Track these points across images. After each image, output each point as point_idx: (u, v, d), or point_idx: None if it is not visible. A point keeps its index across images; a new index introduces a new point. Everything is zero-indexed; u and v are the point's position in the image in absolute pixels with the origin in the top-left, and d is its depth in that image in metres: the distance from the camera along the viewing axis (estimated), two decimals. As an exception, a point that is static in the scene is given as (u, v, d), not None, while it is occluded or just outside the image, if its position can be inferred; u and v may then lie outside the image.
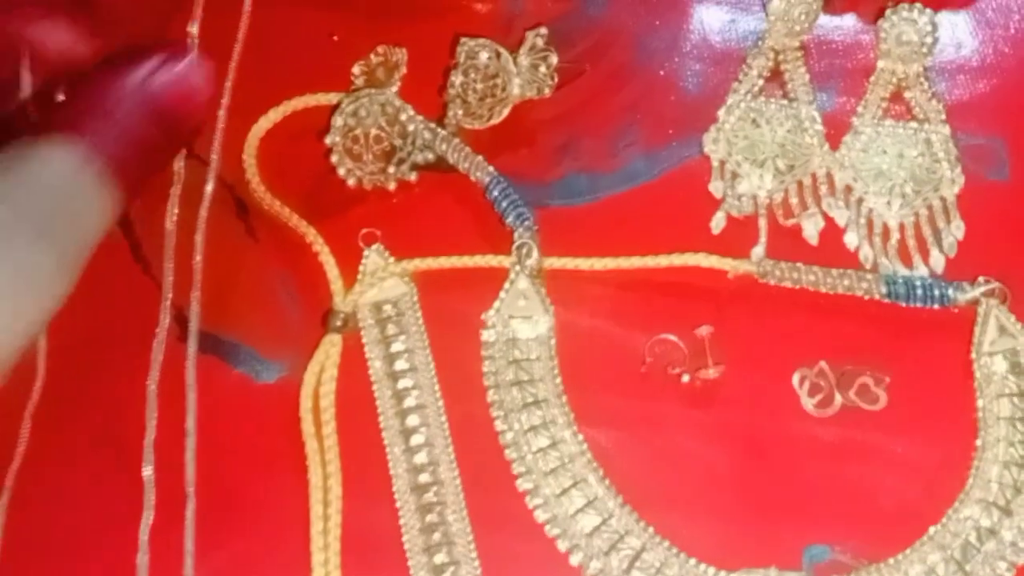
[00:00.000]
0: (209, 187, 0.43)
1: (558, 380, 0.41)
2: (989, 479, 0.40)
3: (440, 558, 0.39)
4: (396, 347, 0.42)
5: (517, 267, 0.42)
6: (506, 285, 0.42)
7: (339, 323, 0.41)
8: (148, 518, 0.40)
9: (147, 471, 0.40)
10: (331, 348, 0.41)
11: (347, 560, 0.39)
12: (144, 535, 0.39)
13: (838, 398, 0.41)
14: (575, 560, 0.39)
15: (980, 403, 0.41)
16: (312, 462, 0.39)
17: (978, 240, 0.44)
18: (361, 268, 0.42)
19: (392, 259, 0.43)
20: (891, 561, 0.39)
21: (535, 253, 0.42)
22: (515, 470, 0.40)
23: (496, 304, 0.42)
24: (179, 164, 0.44)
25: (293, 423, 0.41)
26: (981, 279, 0.42)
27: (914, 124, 0.45)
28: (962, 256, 0.44)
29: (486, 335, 0.42)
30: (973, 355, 0.41)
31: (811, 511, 0.40)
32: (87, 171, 0.35)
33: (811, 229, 0.44)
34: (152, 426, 0.41)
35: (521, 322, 0.42)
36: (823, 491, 0.40)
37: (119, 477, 0.40)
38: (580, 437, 0.41)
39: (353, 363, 0.42)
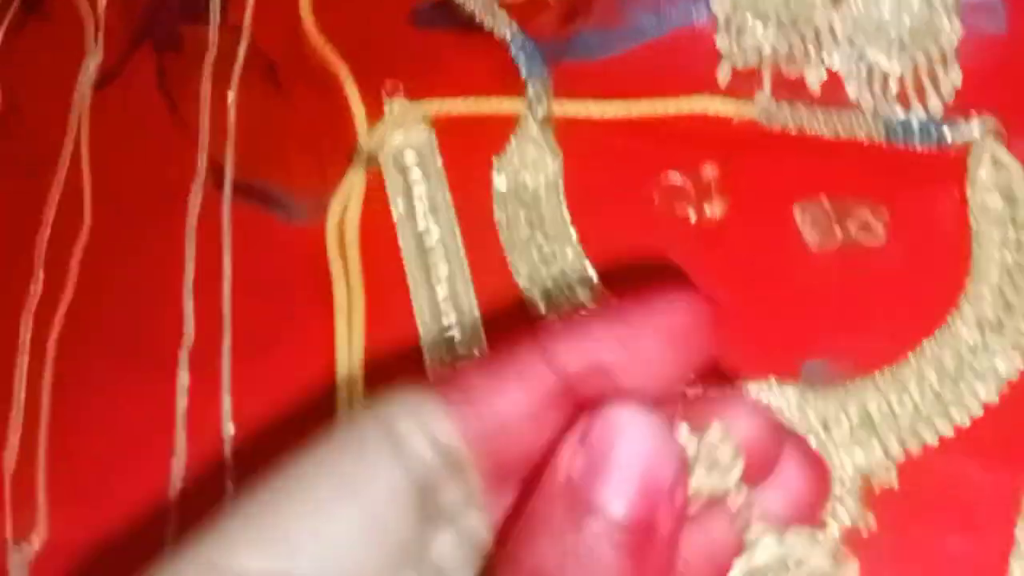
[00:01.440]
0: (242, 48, 0.46)
1: (567, 218, 0.44)
2: (982, 297, 0.41)
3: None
4: (417, 191, 0.44)
5: (528, 113, 0.44)
6: (517, 130, 0.44)
7: (364, 159, 0.44)
8: (188, 342, 0.42)
9: (188, 304, 0.43)
10: (356, 180, 0.44)
11: (370, 377, 0.42)
12: (184, 356, 0.42)
13: (838, 232, 0.43)
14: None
15: (973, 229, 0.42)
16: (337, 280, 0.42)
17: (975, 88, 0.45)
18: (385, 110, 0.45)
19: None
20: (886, 372, 0.41)
21: (545, 100, 0.44)
22: (528, 299, 0.43)
23: (507, 148, 0.44)
24: (213, 32, 0.46)
25: (322, 260, 0.43)
26: (975, 114, 0.44)
27: (914, -22, 0.47)
28: (960, 103, 0.45)
29: (497, 181, 0.44)
30: (968, 186, 0.43)
31: (809, 331, 0.42)
32: None
33: (813, 79, 0.46)
34: (191, 265, 0.44)
35: (531, 166, 0.44)
36: (821, 313, 0.42)
37: (161, 311, 0.43)
38: (591, 270, 0.43)
39: (376, 206, 0.44)
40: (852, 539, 0.39)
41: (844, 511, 0.39)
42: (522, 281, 0.43)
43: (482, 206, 0.44)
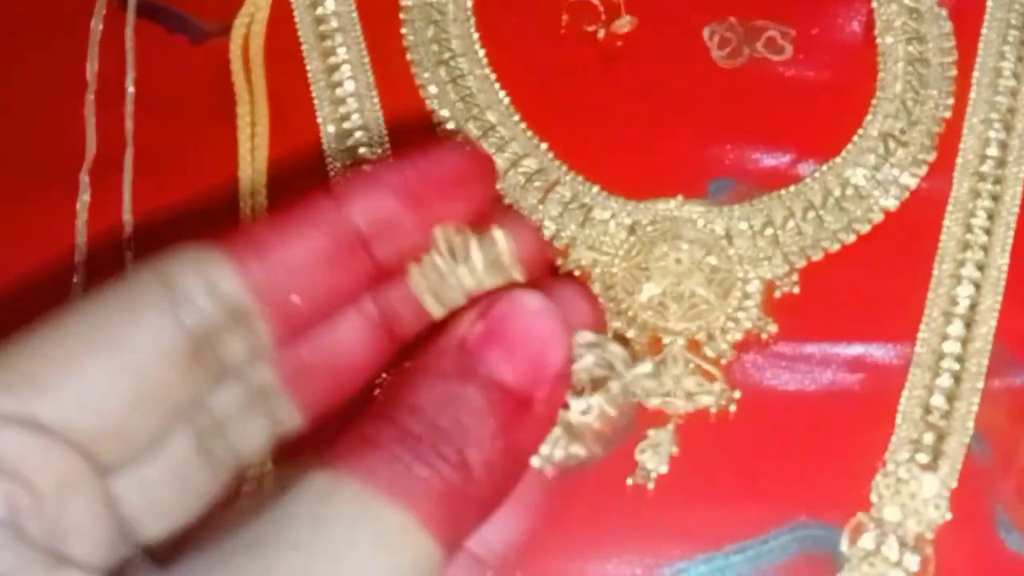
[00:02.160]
0: None
1: (475, 36, 0.43)
2: (887, 111, 0.42)
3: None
4: (324, 8, 0.44)
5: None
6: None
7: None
8: (89, 161, 0.42)
9: (89, 123, 0.42)
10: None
11: (274, 192, 0.41)
12: (85, 176, 0.42)
13: (746, 50, 0.43)
14: (492, 193, 0.41)
15: (880, 46, 0.43)
16: (240, 97, 0.42)
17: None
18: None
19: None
20: (792, 188, 0.41)
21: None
22: (436, 119, 0.42)
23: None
24: None
25: (226, 78, 0.43)
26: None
27: None
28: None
29: (404, -2, 0.44)
30: (873, 3, 0.43)
31: (716, 149, 0.42)
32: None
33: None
34: (93, 84, 0.43)
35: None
36: (730, 127, 0.42)
37: (62, 130, 0.43)
38: (498, 86, 0.43)
39: (282, 23, 0.44)
40: (756, 343, 0.39)
41: (746, 318, 0.39)
42: (430, 101, 0.43)
43: (390, 22, 0.43)
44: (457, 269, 0.25)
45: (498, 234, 0.25)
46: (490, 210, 0.26)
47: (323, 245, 0.24)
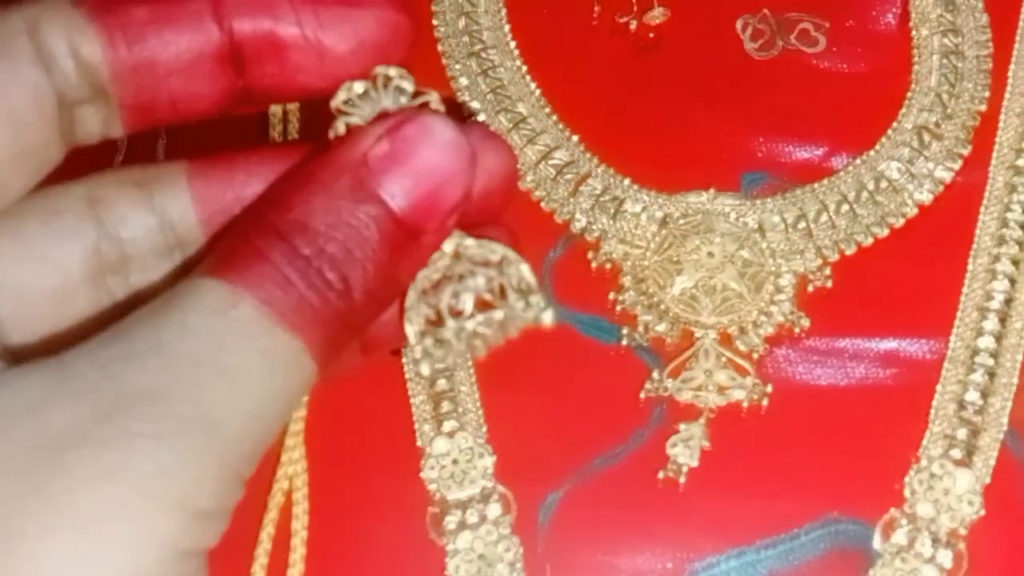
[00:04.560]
0: None
1: (507, 28, 0.43)
2: (922, 105, 0.41)
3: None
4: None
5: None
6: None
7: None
8: (121, 153, 0.42)
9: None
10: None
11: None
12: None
13: (779, 42, 0.43)
14: (523, 186, 0.41)
15: (915, 38, 0.42)
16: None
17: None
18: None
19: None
20: (825, 182, 0.41)
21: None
22: (467, 111, 0.42)
23: (448, -44, 0.44)
24: None
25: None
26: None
27: None
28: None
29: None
30: (910, -5, 0.43)
31: (749, 141, 0.42)
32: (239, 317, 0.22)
33: None
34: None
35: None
36: (763, 119, 0.42)
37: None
38: (529, 78, 0.42)
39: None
40: (788, 337, 0.39)
41: (779, 312, 0.39)
42: (461, 92, 0.43)
43: (420, 13, 0.43)
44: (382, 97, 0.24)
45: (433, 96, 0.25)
46: None
47: (191, 47, 0.23)
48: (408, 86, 0.25)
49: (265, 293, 0.22)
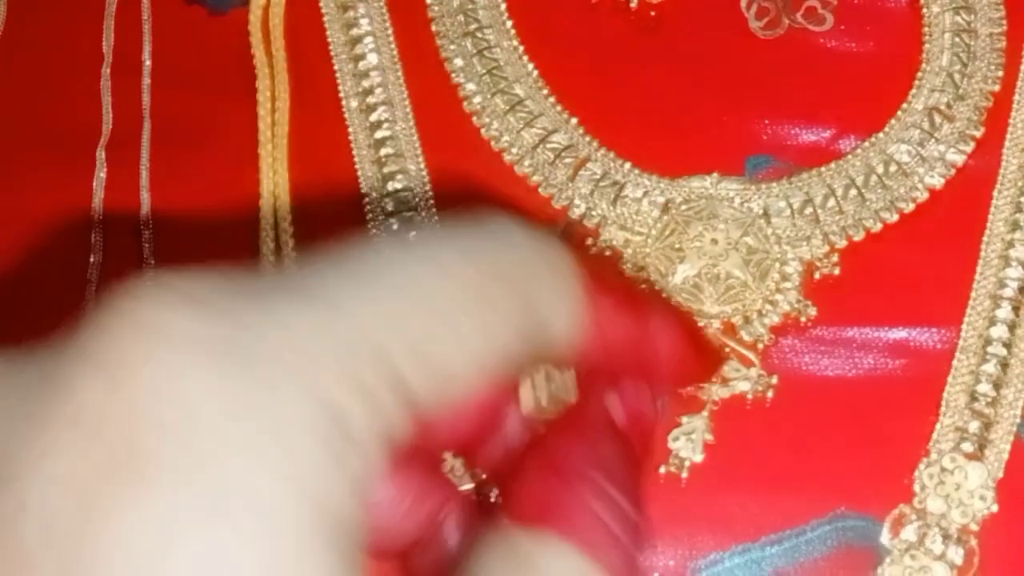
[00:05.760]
0: None
1: (503, 7, 0.42)
2: (933, 85, 0.40)
3: (389, 169, 0.40)
4: (345, -22, 0.42)
5: None
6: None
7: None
8: (106, 136, 0.41)
9: (105, 97, 0.41)
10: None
11: (295, 168, 0.40)
12: (102, 153, 0.41)
13: (785, 21, 0.41)
14: (520, 170, 0.40)
15: (925, 16, 0.41)
16: (260, 71, 0.40)
17: None
18: None
19: None
20: (832, 165, 0.39)
21: None
22: (462, 93, 0.41)
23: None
24: None
25: (246, 52, 0.41)
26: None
27: None
28: None
29: (433, -32, 0.42)
30: (920, -29, 0.41)
31: (754, 123, 0.40)
32: None
33: None
34: (109, 57, 0.42)
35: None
36: (768, 100, 0.40)
37: (78, 105, 0.41)
38: (526, 59, 0.41)
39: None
40: (794, 327, 0.38)
41: (785, 301, 0.38)
42: (456, 74, 0.41)
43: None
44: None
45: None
46: None
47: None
48: None
49: (609, 563, 0.23)
